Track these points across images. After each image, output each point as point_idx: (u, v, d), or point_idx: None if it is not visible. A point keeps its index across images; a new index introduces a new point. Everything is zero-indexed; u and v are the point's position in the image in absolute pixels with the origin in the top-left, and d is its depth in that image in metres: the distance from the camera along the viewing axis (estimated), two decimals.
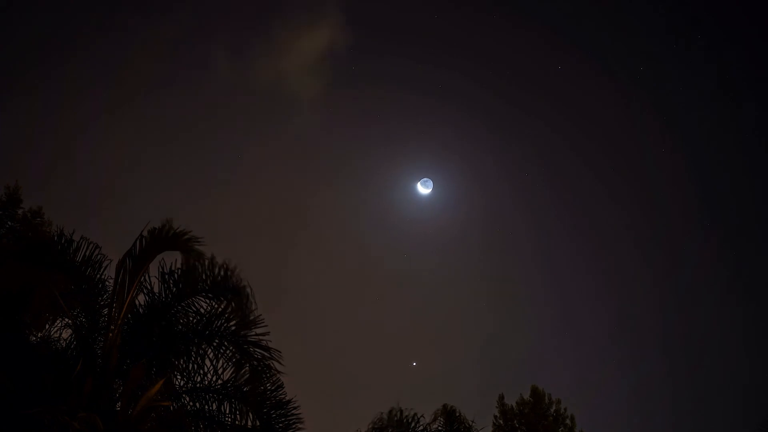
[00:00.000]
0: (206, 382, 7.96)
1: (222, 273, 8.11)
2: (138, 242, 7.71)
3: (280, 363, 8.01)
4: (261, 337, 8.00)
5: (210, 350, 7.97)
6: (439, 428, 11.31)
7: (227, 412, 7.88)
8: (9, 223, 12.10)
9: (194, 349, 7.94)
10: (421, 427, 10.96)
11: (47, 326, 8.05)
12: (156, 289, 8.09)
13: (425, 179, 26.79)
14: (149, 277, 7.99)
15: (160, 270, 8.10)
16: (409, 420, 10.85)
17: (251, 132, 29.70)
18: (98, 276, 7.98)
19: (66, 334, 7.90)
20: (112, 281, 7.77)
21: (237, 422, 7.87)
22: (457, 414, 11.82)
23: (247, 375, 7.89)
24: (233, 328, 8.00)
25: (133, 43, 26.33)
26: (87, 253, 7.93)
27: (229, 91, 28.55)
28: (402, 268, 30.44)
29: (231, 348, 7.95)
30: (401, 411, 10.86)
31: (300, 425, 8.15)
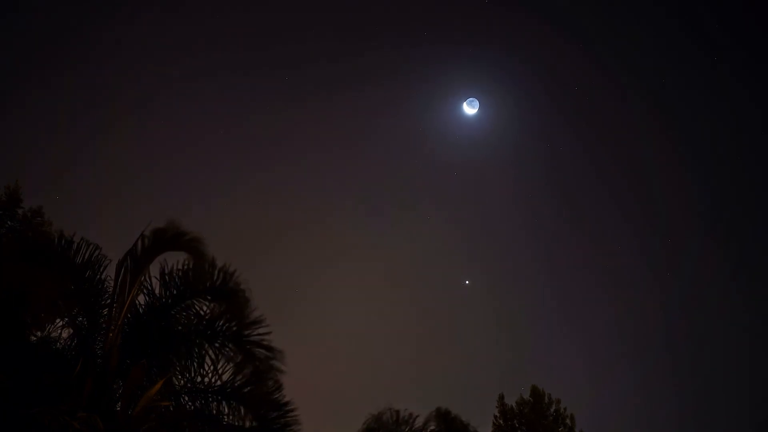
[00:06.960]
0: (206, 383, 8.00)
1: (221, 276, 8.12)
2: (140, 241, 7.74)
3: (281, 363, 8.08)
4: (263, 337, 8.05)
5: (210, 350, 8.01)
6: (434, 429, 11.32)
7: (226, 412, 7.93)
8: (9, 223, 12.11)
9: (195, 350, 7.97)
10: (416, 429, 10.96)
11: (47, 326, 8.08)
12: (156, 290, 8.11)
13: (471, 99, 25.64)
14: (150, 277, 8.04)
15: (161, 270, 8.13)
16: (405, 420, 10.86)
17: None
18: (98, 276, 8.00)
19: (66, 334, 7.92)
20: (112, 281, 7.82)
21: (236, 423, 7.91)
22: (452, 415, 11.82)
23: (247, 376, 7.93)
24: (234, 328, 8.04)
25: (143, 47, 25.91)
26: (87, 255, 7.94)
27: None
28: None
29: (231, 348, 7.99)
30: (398, 412, 10.87)
31: (297, 426, 8.20)
